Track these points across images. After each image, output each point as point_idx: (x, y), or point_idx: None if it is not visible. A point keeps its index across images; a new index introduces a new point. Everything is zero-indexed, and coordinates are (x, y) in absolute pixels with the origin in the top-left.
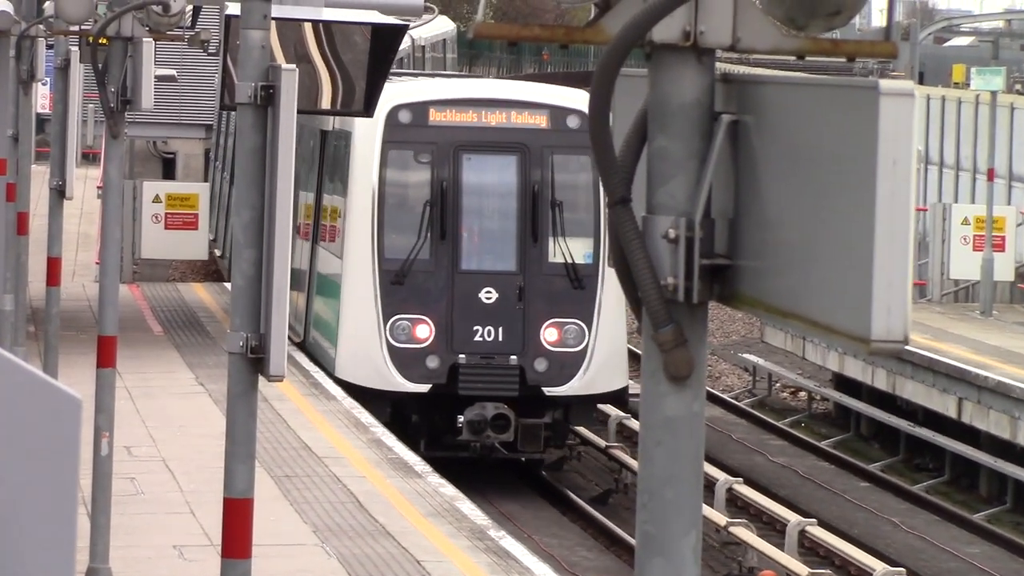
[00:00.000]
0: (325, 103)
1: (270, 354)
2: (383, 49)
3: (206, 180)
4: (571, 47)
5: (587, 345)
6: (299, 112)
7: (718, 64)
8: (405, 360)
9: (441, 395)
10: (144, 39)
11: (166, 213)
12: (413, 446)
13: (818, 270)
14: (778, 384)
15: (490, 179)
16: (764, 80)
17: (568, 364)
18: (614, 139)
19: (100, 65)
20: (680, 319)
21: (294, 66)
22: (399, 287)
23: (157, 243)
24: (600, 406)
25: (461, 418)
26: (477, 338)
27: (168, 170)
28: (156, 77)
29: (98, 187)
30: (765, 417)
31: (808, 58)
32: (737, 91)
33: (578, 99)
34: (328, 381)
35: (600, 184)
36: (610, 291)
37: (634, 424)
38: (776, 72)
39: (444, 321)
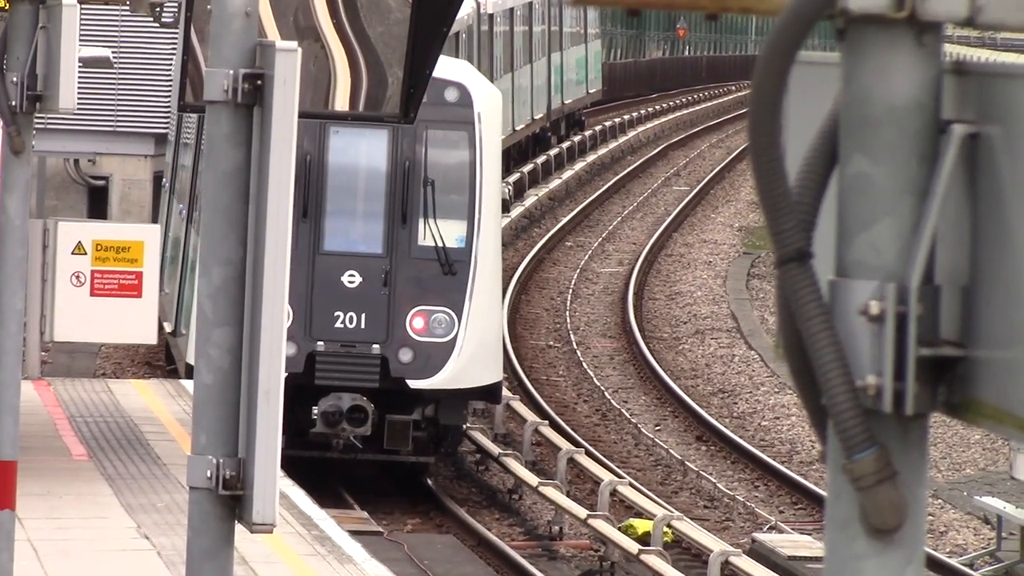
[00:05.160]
0: (341, 102)
1: (254, 490)
2: (433, 19)
3: (156, 220)
4: (722, 18)
5: (456, 335)
6: (304, 116)
7: (947, 47)
8: None
9: (298, 386)
10: (65, 1)
11: (94, 271)
12: None
13: None
14: None
15: (358, 154)
16: (1018, 72)
17: (435, 355)
18: (787, 159)
19: None
20: (887, 441)
21: (295, 44)
22: None
23: (79, 318)
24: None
25: (316, 410)
26: (338, 324)
27: (97, 204)
28: (82, 60)
29: None
30: None
31: None
32: (977, 88)
33: (457, 70)
34: (340, 532)
35: (477, 163)
36: (483, 278)
37: None
38: None
39: (303, 306)
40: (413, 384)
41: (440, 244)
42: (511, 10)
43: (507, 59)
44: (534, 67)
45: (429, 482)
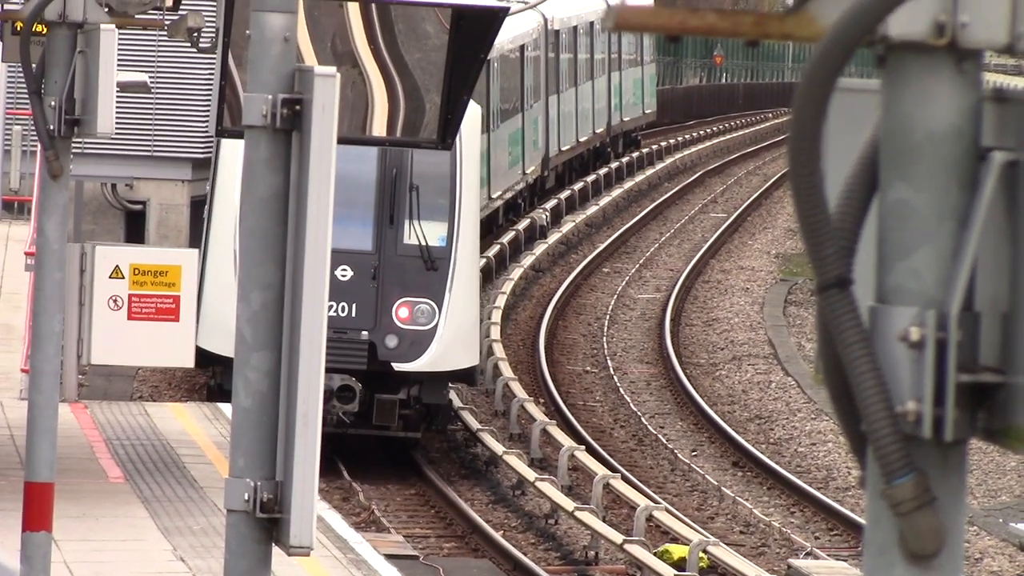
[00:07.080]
0: (379, 127)
1: (291, 514)
2: (470, 45)
3: (194, 245)
4: (762, 45)
5: (437, 324)
6: (342, 142)
7: (987, 75)
8: None
9: None
10: (103, 26)
11: (131, 295)
12: None
13: None
14: None
15: (350, 162)
16: None
17: (418, 341)
18: (827, 186)
19: (34, 65)
20: (926, 466)
21: (333, 70)
22: None
23: (117, 342)
24: None
25: None
26: (331, 313)
27: (135, 229)
28: (120, 85)
29: (27, 254)
30: None
31: None
32: (1017, 115)
33: None
34: (376, 556)
35: (457, 172)
36: (462, 273)
37: None
38: None
39: None
40: (398, 367)
41: (423, 243)
42: (575, 28)
43: (571, 75)
44: (595, 84)
45: (466, 505)
